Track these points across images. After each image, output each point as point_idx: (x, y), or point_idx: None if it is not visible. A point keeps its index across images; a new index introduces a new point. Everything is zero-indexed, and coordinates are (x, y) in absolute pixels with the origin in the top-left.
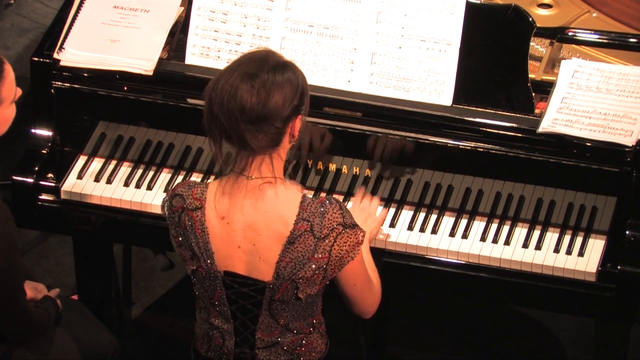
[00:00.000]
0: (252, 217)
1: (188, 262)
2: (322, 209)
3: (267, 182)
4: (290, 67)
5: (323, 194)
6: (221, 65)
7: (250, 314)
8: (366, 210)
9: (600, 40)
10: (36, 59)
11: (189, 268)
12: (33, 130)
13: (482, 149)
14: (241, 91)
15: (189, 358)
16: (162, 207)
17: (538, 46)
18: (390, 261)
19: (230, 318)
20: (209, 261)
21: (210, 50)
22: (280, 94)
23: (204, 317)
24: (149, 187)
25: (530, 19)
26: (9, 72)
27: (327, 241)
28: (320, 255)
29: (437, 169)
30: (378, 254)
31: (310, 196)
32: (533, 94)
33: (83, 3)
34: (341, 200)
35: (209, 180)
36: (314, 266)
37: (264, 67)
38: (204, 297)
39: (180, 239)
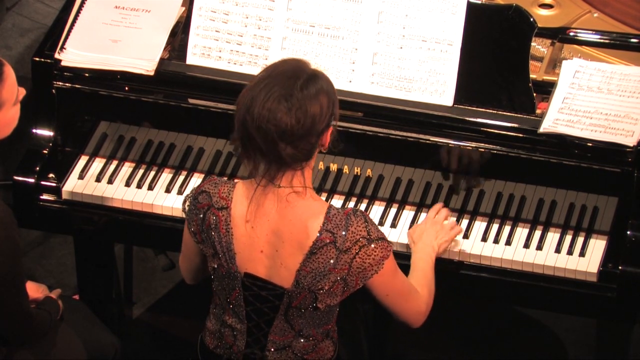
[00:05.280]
0: (277, 224)
1: (209, 259)
2: (347, 222)
3: (295, 191)
4: (320, 78)
5: (324, 194)
6: (222, 65)
7: (266, 317)
8: (439, 224)
9: (602, 41)
10: (37, 59)
11: (210, 265)
12: (34, 131)
13: (483, 149)
14: (280, 114)
15: (190, 357)
16: (184, 202)
17: (539, 46)
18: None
19: (244, 319)
20: (230, 262)
21: (211, 51)
22: (316, 111)
23: (218, 313)
24: (150, 187)
25: (532, 19)
26: (9, 75)
27: (349, 254)
28: (340, 267)
29: (438, 170)
30: None
31: (337, 207)
32: (534, 94)
33: (84, 3)
34: (365, 211)
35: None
36: (333, 278)
37: (296, 84)
38: (221, 294)
39: (202, 236)
